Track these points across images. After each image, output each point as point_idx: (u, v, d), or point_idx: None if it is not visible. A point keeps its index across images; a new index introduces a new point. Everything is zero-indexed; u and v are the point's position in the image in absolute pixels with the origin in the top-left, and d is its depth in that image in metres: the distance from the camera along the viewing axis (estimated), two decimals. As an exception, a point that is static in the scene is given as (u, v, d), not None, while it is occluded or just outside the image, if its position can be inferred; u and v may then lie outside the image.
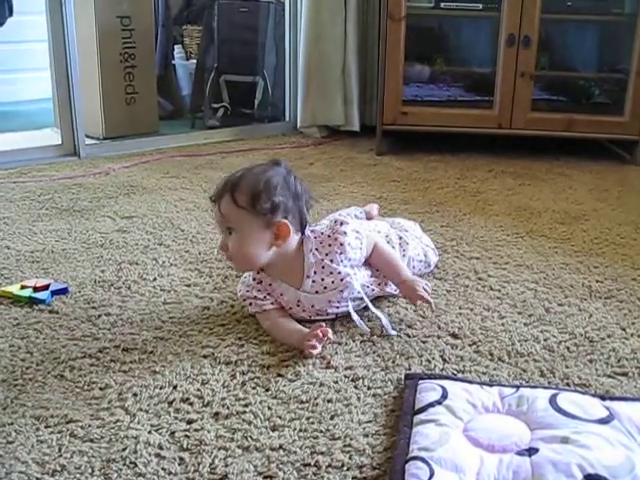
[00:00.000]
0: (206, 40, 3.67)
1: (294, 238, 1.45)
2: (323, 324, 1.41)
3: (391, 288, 1.60)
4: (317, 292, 1.49)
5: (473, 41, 3.36)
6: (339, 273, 1.48)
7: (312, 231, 1.50)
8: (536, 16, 2.89)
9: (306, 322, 1.49)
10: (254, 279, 1.50)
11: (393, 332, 1.47)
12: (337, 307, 1.51)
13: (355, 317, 1.48)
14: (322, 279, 1.48)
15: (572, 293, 1.70)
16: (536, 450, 1.05)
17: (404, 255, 1.67)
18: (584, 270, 1.84)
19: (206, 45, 3.67)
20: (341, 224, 1.50)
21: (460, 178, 2.75)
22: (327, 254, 1.47)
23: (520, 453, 1.06)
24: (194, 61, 3.79)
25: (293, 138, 3.36)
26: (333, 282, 1.48)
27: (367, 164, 2.94)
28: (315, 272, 1.47)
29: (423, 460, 1.03)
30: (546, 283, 1.76)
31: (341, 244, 1.47)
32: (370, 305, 1.51)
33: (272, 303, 1.50)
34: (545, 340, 1.46)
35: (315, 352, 1.37)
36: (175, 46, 3.92)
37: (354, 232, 1.51)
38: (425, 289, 1.50)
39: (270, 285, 1.50)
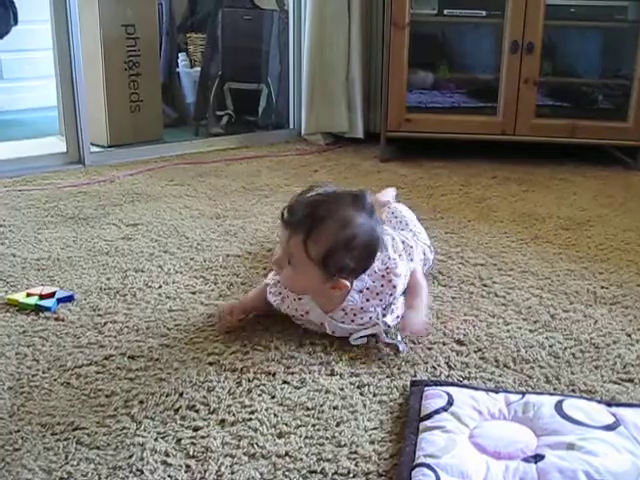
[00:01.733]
0: (210, 48, 3.68)
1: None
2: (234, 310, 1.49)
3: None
4: (344, 322, 1.47)
5: (476, 48, 3.37)
6: (371, 317, 1.45)
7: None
8: (539, 22, 2.89)
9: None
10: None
11: (403, 347, 1.44)
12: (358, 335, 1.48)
13: (387, 340, 1.44)
14: (354, 314, 1.46)
15: (577, 299, 1.70)
16: (542, 457, 1.05)
17: (412, 260, 1.68)
18: (589, 276, 1.84)
19: (210, 53, 3.68)
20: (395, 264, 1.46)
21: (464, 185, 2.75)
22: (378, 294, 1.45)
23: (526, 460, 1.06)
24: (198, 69, 3.79)
25: (297, 145, 3.37)
26: (362, 319, 1.46)
27: (371, 171, 2.95)
28: (352, 310, 1.45)
29: (429, 467, 1.03)
30: (551, 289, 1.76)
31: (394, 287, 1.45)
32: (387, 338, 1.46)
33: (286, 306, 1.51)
34: (550, 346, 1.46)
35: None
36: (179, 54, 3.93)
37: (405, 270, 1.50)
38: (419, 326, 1.45)
39: (300, 299, 1.48)
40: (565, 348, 1.46)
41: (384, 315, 1.46)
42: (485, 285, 1.77)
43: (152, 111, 3.45)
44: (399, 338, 1.45)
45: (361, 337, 1.45)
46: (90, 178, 2.77)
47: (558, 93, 3.25)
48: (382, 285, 1.45)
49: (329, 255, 1.34)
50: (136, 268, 1.86)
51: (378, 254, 1.43)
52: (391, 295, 1.46)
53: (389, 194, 2.10)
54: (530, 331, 1.53)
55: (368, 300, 1.45)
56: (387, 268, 1.46)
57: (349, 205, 1.38)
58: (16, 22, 4.03)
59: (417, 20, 2.99)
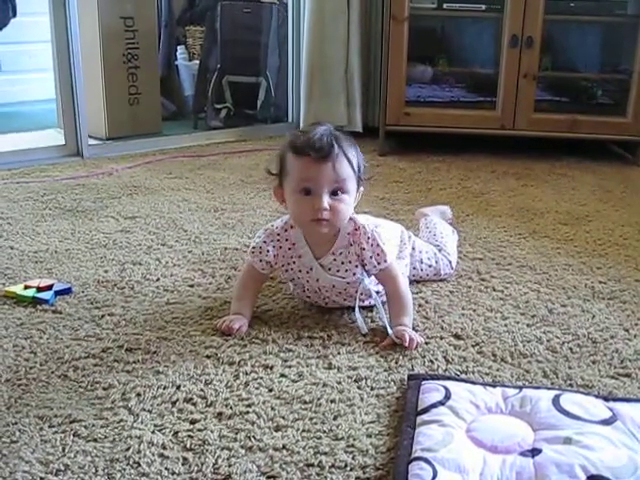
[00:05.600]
0: (209, 41, 3.67)
1: None
2: (242, 327, 1.47)
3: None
4: (330, 270, 1.51)
5: (476, 42, 3.36)
6: (354, 274, 1.51)
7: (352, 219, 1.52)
8: (539, 17, 2.89)
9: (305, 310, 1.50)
10: (284, 230, 1.52)
11: (364, 327, 1.49)
12: (343, 299, 1.55)
13: (357, 315, 1.49)
14: (342, 262, 1.50)
15: (575, 294, 1.70)
16: (539, 451, 1.05)
17: (412, 255, 1.70)
18: (587, 271, 1.84)
19: (209, 46, 3.66)
20: (380, 234, 1.52)
21: (463, 179, 2.74)
22: (362, 247, 1.49)
23: (523, 454, 1.06)
24: (197, 62, 3.78)
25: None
26: (347, 271, 1.51)
27: (370, 165, 2.92)
28: (341, 253, 1.50)
29: (426, 461, 1.03)
30: (549, 284, 1.76)
31: (382, 250, 1.49)
32: (380, 305, 1.52)
33: (268, 266, 1.54)
34: (548, 341, 1.47)
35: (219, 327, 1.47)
36: (178, 47, 3.92)
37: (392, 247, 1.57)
38: (412, 337, 1.43)
39: (293, 244, 1.52)
40: (563, 343, 1.46)
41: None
42: (483, 279, 1.77)
43: (151, 104, 3.44)
44: (367, 287, 1.51)
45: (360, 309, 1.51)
46: (88, 171, 2.77)
47: (557, 88, 3.24)
48: (353, 234, 1.50)
49: (360, 159, 1.48)
50: (134, 261, 1.86)
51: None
52: (362, 250, 1.49)
53: (438, 210, 2.11)
54: (528, 325, 1.53)
55: (352, 244, 1.49)
56: (364, 225, 1.51)
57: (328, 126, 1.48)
58: (15, 14, 4.02)
59: (416, 14, 2.98)
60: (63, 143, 2.98)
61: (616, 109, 3.07)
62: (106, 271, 1.79)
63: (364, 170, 1.50)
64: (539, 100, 3.05)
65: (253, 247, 1.54)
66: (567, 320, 1.56)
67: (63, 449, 1.08)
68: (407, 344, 1.41)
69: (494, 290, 1.71)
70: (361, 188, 1.50)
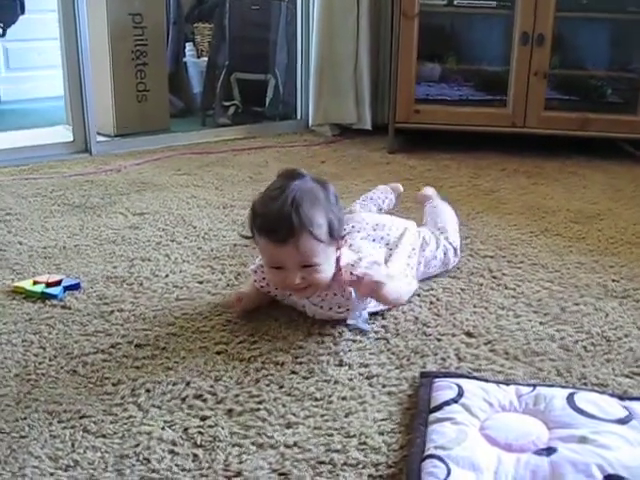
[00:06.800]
0: (217, 38, 3.65)
1: None
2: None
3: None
4: (322, 307, 1.48)
5: (486, 39, 3.34)
6: (347, 309, 1.45)
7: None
8: (550, 14, 2.86)
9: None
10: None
11: (367, 327, 1.45)
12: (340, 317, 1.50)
13: (351, 322, 1.45)
14: (332, 299, 1.46)
15: (588, 292, 1.68)
16: (554, 450, 1.04)
17: (423, 257, 1.68)
18: (599, 269, 1.82)
19: (217, 43, 3.65)
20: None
21: (473, 177, 2.73)
22: (349, 292, 1.43)
23: (538, 452, 1.04)
24: (205, 59, 3.77)
25: (305, 136, 3.35)
26: (339, 307, 1.47)
27: (379, 162, 2.93)
28: (326, 294, 1.45)
29: (440, 459, 1.01)
30: (561, 282, 1.74)
31: (371, 278, 1.39)
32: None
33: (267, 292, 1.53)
34: (561, 339, 1.45)
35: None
36: (186, 44, 3.91)
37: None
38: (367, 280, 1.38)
39: None
40: (576, 341, 1.44)
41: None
42: (495, 277, 1.76)
43: (159, 101, 3.44)
44: (365, 317, 1.44)
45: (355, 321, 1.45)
46: (97, 167, 2.76)
47: (568, 86, 3.22)
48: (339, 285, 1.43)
49: (331, 226, 1.37)
50: (143, 257, 1.85)
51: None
52: (347, 299, 1.44)
53: (430, 190, 2.10)
54: (540, 323, 1.52)
55: (335, 280, 1.43)
56: (345, 271, 1.41)
57: (291, 180, 1.38)
58: (23, 11, 4.03)
59: (426, 10, 2.97)
60: (71, 140, 2.97)
61: (627, 107, 3.04)
62: (115, 267, 1.78)
63: (340, 225, 1.41)
64: (550, 99, 3.02)
65: (250, 272, 1.54)
66: (580, 318, 1.55)
67: (72, 445, 1.07)
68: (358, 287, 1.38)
69: (506, 288, 1.70)
70: (343, 240, 1.43)
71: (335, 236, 1.39)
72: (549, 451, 1.04)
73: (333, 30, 3.27)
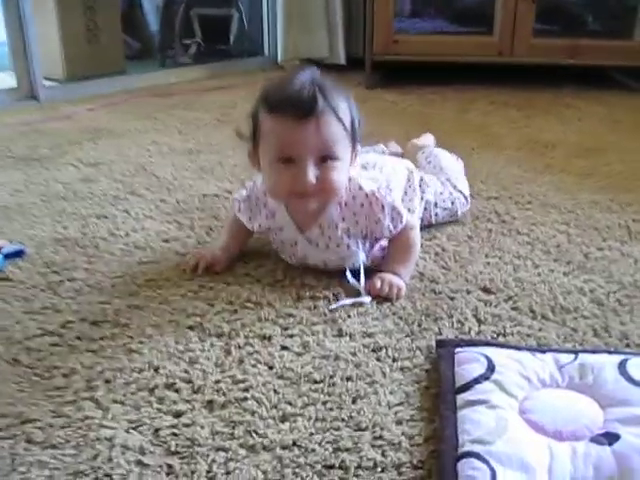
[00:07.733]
0: (173, -32, 3.39)
1: None
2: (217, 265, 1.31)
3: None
4: (317, 245, 1.27)
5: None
6: (348, 247, 1.26)
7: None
8: None
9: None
10: (264, 194, 1.28)
11: (367, 299, 1.22)
12: (331, 265, 1.29)
13: (350, 279, 1.24)
14: (329, 237, 1.25)
15: (610, 235, 1.48)
16: (616, 437, 0.83)
17: (422, 199, 1.44)
18: (617, 209, 1.62)
19: (174, -26, 3.39)
20: (386, 192, 1.27)
21: (460, 111, 2.52)
22: (355, 214, 1.24)
23: (596, 440, 0.84)
24: (162, -7, 3.52)
25: (273, 73, 3.08)
26: (338, 246, 1.26)
27: (356, 99, 2.66)
28: (329, 227, 1.25)
29: (479, 457, 0.80)
30: (578, 224, 1.53)
31: (380, 210, 1.24)
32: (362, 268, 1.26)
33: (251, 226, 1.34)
34: (591, 292, 1.24)
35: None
36: (140, -24, 3.63)
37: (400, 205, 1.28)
38: (384, 289, 1.22)
39: (274, 215, 1.28)
40: (608, 293, 1.24)
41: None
42: (504, 221, 1.55)
43: (112, 41, 3.19)
44: (362, 286, 1.23)
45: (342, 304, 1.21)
46: (44, 115, 2.51)
47: (558, 11, 3.00)
48: (362, 205, 1.24)
49: (351, 118, 1.18)
50: (98, 214, 1.60)
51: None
52: (376, 223, 1.24)
53: (428, 139, 1.86)
54: (564, 274, 1.31)
55: (344, 219, 1.24)
56: (375, 192, 1.24)
57: (310, 72, 1.20)
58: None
59: None
60: (15, 86, 2.68)
61: (621, 32, 2.84)
62: (65, 227, 1.53)
63: (360, 125, 1.21)
64: (537, 25, 2.80)
65: (233, 201, 1.34)
66: (607, 266, 1.34)
67: (12, 461, 0.84)
68: (385, 294, 1.21)
69: (518, 233, 1.49)
70: (358, 147, 1.23)
71: (356, 138, 1.20)
72: (609, 437, 0.84)
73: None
